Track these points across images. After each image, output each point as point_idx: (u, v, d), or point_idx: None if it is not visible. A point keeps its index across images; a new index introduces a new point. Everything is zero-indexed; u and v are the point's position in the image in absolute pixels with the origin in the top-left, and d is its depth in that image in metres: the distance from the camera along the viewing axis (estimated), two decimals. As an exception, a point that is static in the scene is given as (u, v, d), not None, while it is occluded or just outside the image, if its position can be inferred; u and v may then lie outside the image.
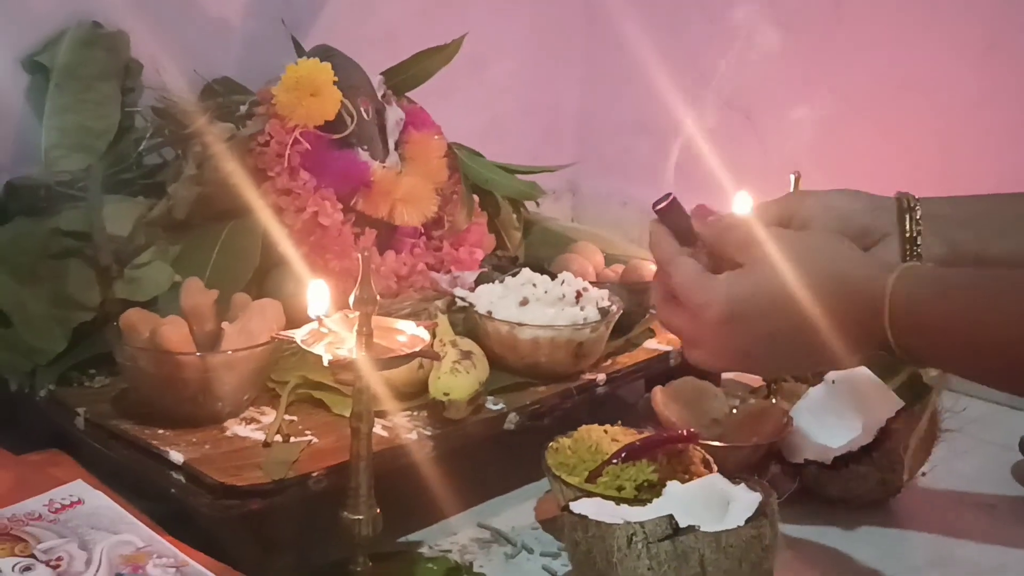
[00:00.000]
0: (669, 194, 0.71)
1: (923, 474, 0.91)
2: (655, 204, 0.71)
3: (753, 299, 0.64)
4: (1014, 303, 0.56)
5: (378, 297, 0.69)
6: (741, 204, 0.99)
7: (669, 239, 0.70)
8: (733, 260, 0.67)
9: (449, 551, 0.81)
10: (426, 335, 0.71)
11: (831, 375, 0.91)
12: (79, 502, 0.71)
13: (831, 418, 0.88)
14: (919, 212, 0.71)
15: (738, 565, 0.66)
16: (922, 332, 0.60)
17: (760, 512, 0.68)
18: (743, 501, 0.70)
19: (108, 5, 1.02)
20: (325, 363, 0.67)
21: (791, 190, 0.99)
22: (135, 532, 0.69)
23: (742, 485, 0.73)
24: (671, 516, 0.66)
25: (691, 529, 0.66)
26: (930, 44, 1.13)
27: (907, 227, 0.70)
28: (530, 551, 0.81)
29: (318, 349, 0.68)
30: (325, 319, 0.70)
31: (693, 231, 0.70)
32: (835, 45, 1.21)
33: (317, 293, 0.70)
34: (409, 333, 0.71)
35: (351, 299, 0.68)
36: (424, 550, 0.81)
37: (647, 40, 1.29)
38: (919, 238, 0.70)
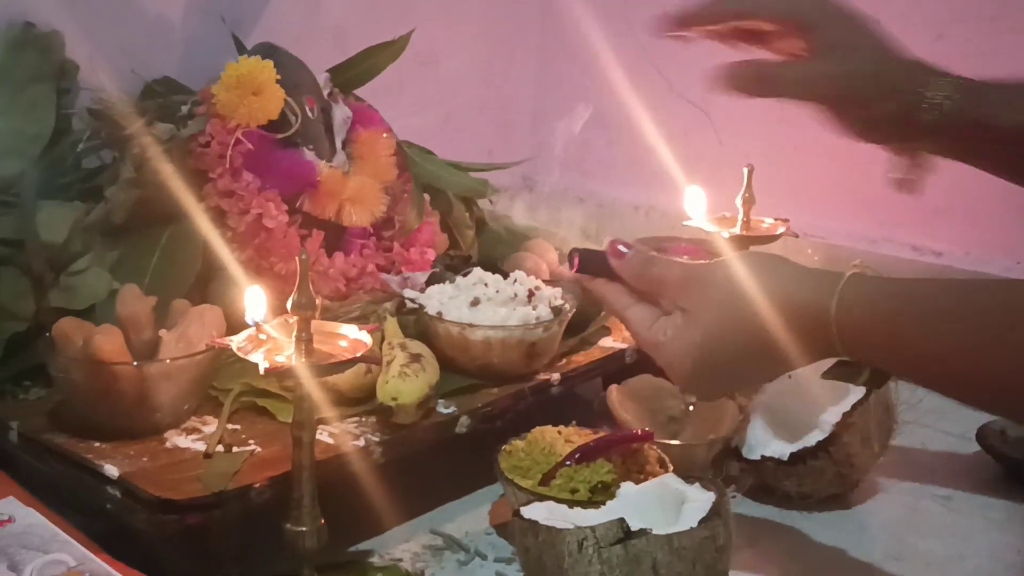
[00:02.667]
0: (572, 255, 0.71)
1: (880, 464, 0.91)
2: (571, 268, 0.71)
3: (709, 350, 0.66)
4: (942, 323, 0.59)
5: (319, 301, 0.67)
6: (693, 198, 0.98)
7: (611, 292, 0.71)
8: (671, 302, 0.68)
9: (401, 559, 0.79)
10: (368, 339, 0.69)
11: (787, 370, 0.90)
12: (10, 520, 0.69)
13: (787, 414, 0.87)
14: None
15: (692, 567, 0.65)
16: (870, 348, 0.62)
17: (714, 512, 0.67)
18: (697, 501, 0.69)
19: (41, 5, 0.99)
20: (261, 371, 0.64)
21: (744, 183, 0.98)
22: (68, 551, 0.66)
23: (696, 484, 0.72)
24: (622, 520, 0.65)
25: (643, 532, 0.65)
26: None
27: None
28: (484, 557, 0.79)
29: (255, 356, 0.66)
30: (264, 324, 0.68)
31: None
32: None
33: (254, 298, 0.68)
34: (351, 337, 0.69)
35: (289, 303, 0.66)
36: (375, 559, 0.79)
37: (601, 33, 1.27)
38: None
